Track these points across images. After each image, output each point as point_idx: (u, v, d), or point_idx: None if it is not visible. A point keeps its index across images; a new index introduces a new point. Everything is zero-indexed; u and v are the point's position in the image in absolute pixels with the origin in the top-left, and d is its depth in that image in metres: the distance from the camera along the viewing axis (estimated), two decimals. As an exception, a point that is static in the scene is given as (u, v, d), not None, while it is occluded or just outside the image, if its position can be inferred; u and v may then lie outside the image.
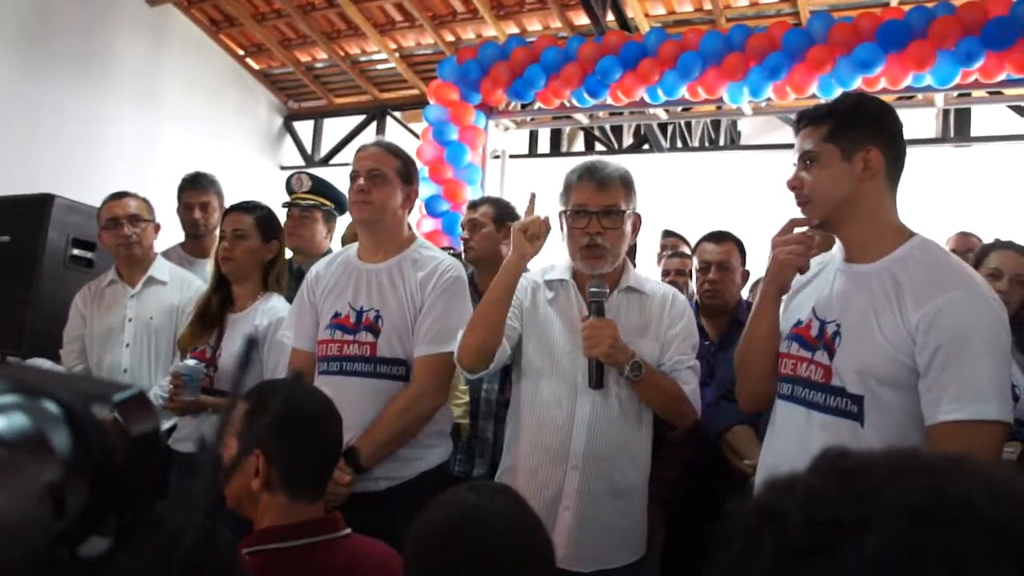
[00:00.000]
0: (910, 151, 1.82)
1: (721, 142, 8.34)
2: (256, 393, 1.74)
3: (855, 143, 1.72)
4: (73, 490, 0.54)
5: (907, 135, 1.82)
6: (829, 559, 0.47)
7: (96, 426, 0.57)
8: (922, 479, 0.50)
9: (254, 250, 2.79)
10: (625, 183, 2.21)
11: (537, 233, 2.12)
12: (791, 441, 1.78)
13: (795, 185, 1.80)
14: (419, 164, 5.78)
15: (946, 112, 6.22)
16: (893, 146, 1.75)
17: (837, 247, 1.89)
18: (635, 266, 2.83)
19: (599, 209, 2.15)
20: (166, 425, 2.90)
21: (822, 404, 1.72)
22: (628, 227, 2.22)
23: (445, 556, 1.21)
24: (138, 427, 0.61)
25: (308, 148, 8.81)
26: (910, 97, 5.56)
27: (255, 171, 8.00)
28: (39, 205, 3.55)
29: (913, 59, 4.67)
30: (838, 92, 4.59)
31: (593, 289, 2.13)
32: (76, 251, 3.60)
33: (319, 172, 3.61)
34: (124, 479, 0.58)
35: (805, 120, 1.80)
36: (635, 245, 2.93)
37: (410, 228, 2.64)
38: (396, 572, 1.62)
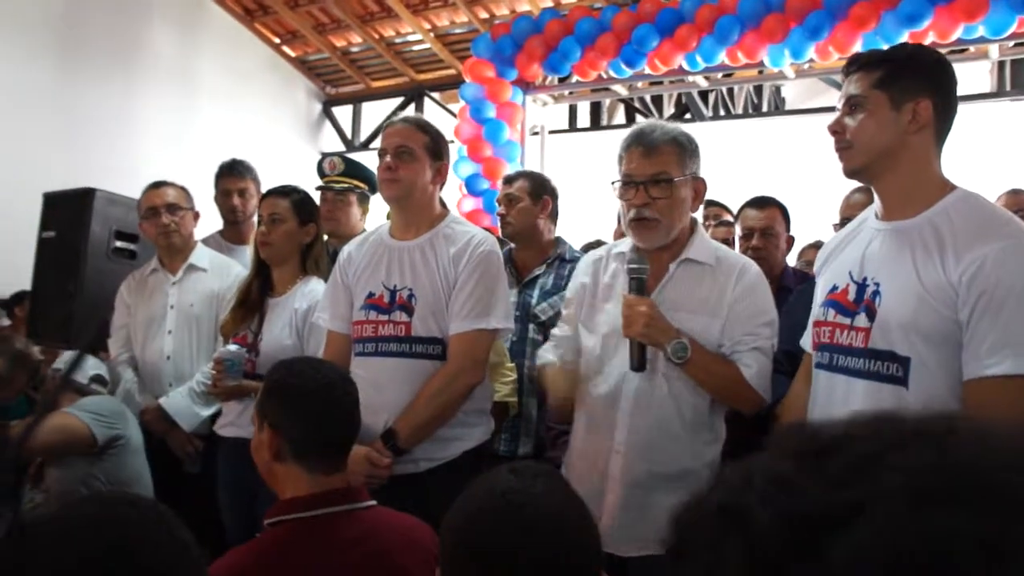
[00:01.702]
0: (962, 107, 1.74)
1: (765, 108, 8.16)
2: (271, 370, 1.79)
3: (906, 92, 1.64)
4: None
5: (960, 91, 1.74)
6: (814, 565, 0.37)
7: None
8: (921, 449, 0.39)
9: (292, 233, 2.79)
10: (678, 145, 2.06)
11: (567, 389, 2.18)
12: (835, 411, 1.72)
13: (836, 130, 1.73)
14: (457, 143, 5.80)
15: (1001, 64, 5.98)
16: (945, 100, 1.67)
17: (869, 209, 1.81)
18: None
19: (646, 178, 2.03)
20: (208, 412, 2.93)
21: (864, 370, 1.66)
22: (685, 193, 2.07)
23: (482, 541, 1.17)
24: None
25: (348, 133, 8.84)
26: (962, 50, 5.33)
27: (296, 158, 8.04)
28: (81, 199, 3.59)
29: (963, 9, 4.48)
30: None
31: (632, 265, 2.03)
32: (119, 243, 3.63)
33: (359, 156, 3.61)
34: None
35: (856, 65, 1.73)
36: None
37: (443, 204, 2.60)
38: (421, 544, 1.63)
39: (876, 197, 1.76)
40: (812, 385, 1.83)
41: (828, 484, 0.39)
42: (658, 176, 2.04)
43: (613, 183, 2.13)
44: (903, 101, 1.64)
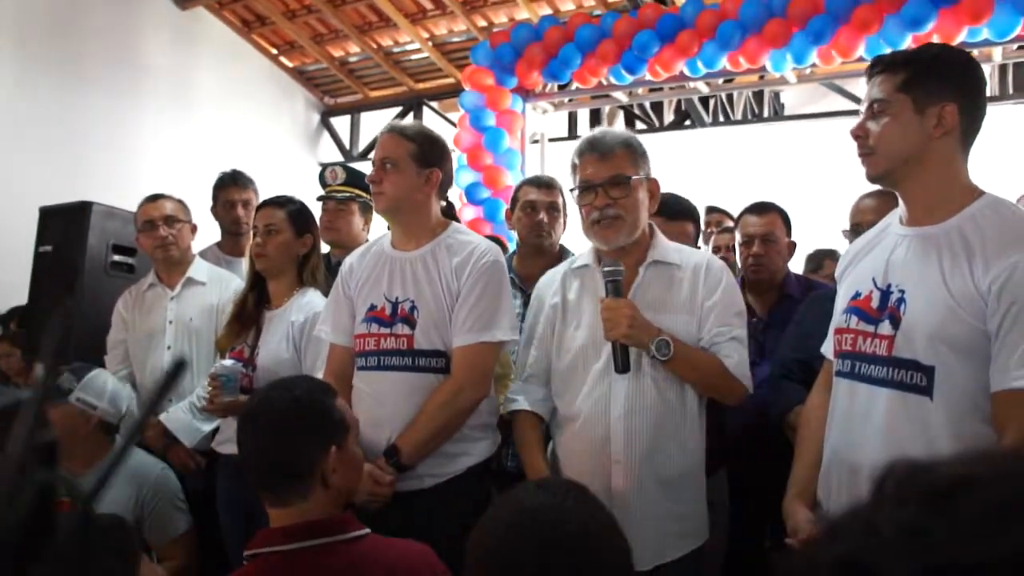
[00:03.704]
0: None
1: (765, 114, 8.12)
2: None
3: (931, 96, 1.59)
4: None
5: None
6: None
7: None
8: None
9: (288, 245, 2.74)
10: (629, 148, 2.12)
11: None
12: (855, 421, 1.67)
13: (859, 134, 1.68)
14: (457, 152, 5.75)
15: (1003, 67, 5.95)
16: (972, 103, 1.62)
17: (893, 214, 1.76)
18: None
19: (604, 180, 2.08)
20: (208, 427, 2.88)
21: (887, 379, 1.61)
22: (642, 194, 2.13)
23: (513, 560, 1.12)
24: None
25: (346, 143, 8.81)
26: (965, 54, 5.30)
27: (294, 169, 8.00)
28: (78, 213, 3.55)
29: (967, 12, 4.44)
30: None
31: (607, 268, 2.05)
32: (116, 257, 3.59)
33: (358, 166, 3.55)
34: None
35: (880, 66, 1.68)
36: (699, 231, 2.83)
37: (452, 214, 2.55)
38: (413, 571, 1.54)
39: (901, 202, 1.71)
40: (832, 393, 1.78)
41: (968, 534, 0.34)
42: (616, 178, 2.08)
43: (571, 190, 2.18)
44: (927, 105, 1.59)
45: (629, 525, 1.98)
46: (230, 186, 3.59)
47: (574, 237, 3.21)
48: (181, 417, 2.89)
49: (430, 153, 2.33)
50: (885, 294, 1.64)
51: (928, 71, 1.62)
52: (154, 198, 3.18)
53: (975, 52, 5.25)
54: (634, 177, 2.10)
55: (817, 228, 4.19)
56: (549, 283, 2.31)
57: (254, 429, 1.63)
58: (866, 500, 0.40)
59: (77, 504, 0.55)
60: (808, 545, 0.42)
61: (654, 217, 2.27)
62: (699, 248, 2.94)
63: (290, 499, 1.59)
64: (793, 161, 7.06)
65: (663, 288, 2.11)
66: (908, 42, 4.60)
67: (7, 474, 0.47)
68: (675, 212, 2.72)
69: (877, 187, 1.96)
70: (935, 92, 1.59)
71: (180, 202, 3.21)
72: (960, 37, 4.58)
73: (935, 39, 4.57)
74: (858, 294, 1.71)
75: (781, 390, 2.47)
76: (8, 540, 0.48)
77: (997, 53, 5.31)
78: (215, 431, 2.85)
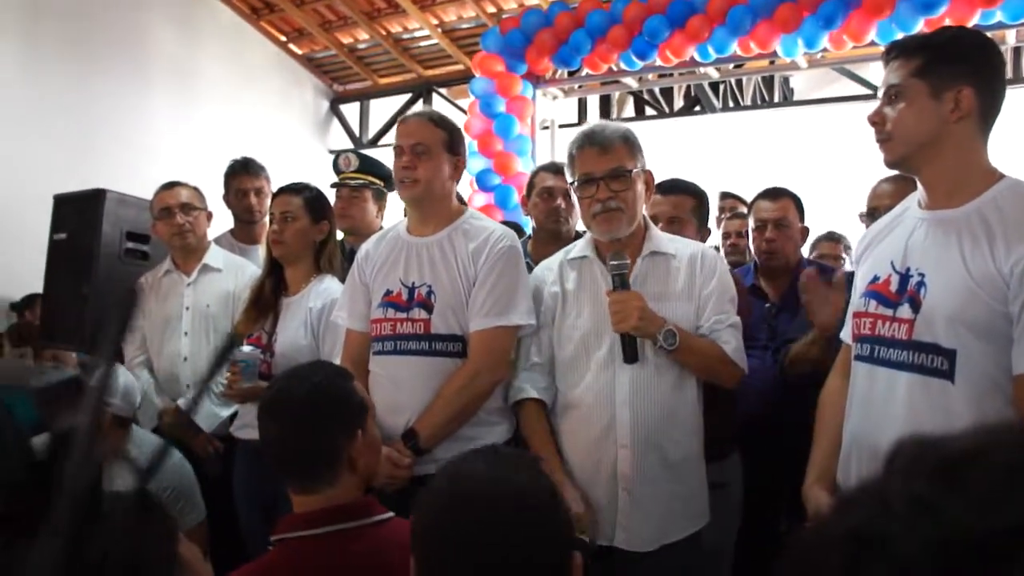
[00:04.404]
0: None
1: (775, 99, 8.10)
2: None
3: (946, 80, 1.59)
4: None
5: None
6: None
7: (13, 432, 0.49)
8: None
9: (304, 231, 2.75)
10: (628, 142, 2.16)
11: None
12: (875, 405, 1.67)
13: (876, 120, 1.68)
14: (468, 138, 5.76)
15: (1017, 50, 5.91)
16: (989, 86, 1.61)
17: (911, 198, 1.76)
18: (707, 237, 2.73)
19: (605, 173, 2.11)
20: (227, 412, 2.90)
21: (907, 363, 1.61)
22: (639, 186, 2.16)
23: (427, 513, 1.14)
24: (61, 421, 0.52)
25: (356, 130, 8.82)
26: (977, 37, 5.27)
27: (304, 156, 8.02)
28: (92, 201, 3.57)
29: (980, -6, 4.42)
30: (899, 37, 4.38)
31: (614, 262, 2.08)
32: (131, 244, 3.61)
33: (368, 153, 3.55)
34: (43, 485, 0.49)
35: (895, 52, 1.67)
36: (706, 216, 2.81)
37: (461, 200, 2.56)
38: None
39: (919, 186, 1.71)
40: (851, 377, 1.79)
41: (976, 505, 0.35)
42: (616, 170, 2.11)
43: (571, 183, 2.21)
44: (943, 90, 1.58)
45: (637, 507, 2.05)
46: (241, 174, 3.60)
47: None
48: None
49: (458, 141, 2.38)
50: (904, 278, 1.64)
51: (943, 55, 1.61)
52: (170, 185, 3.19)
53: (988, 35, 5.25)
54: (633, 170, 2.13)
55: (827, 212, 4.19)
56: (545, 272, 2.33)
57: (278, 418, 1.64)
58: (877, 475, 0.41)
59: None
60: (820, 519, 0.43)
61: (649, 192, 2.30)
62: (708, 231, 2.93)
63: (318, 485, 1.60)
64: (803, 146, 7.04)
65: (661, 278, 2.16)
66: (920, 26, 4.59)
67: (82, 442, 0.48)
68: (669, 187, 2.72)
69: (889, 172, 1.96)
70: (950, 76, 1.58)
71: (196, 189, 3.22)
72: (973, 20, 4.56)
73: (948, 22, 4.56)
74: (876, 278, 1.71)
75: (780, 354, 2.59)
76: (80, 502, 0.50)
77: (1011, 36, 5.29)
78: (233, 416, 2.87)
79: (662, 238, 2.23)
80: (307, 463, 1.61)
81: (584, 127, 2.23)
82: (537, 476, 1.18)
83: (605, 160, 2.12)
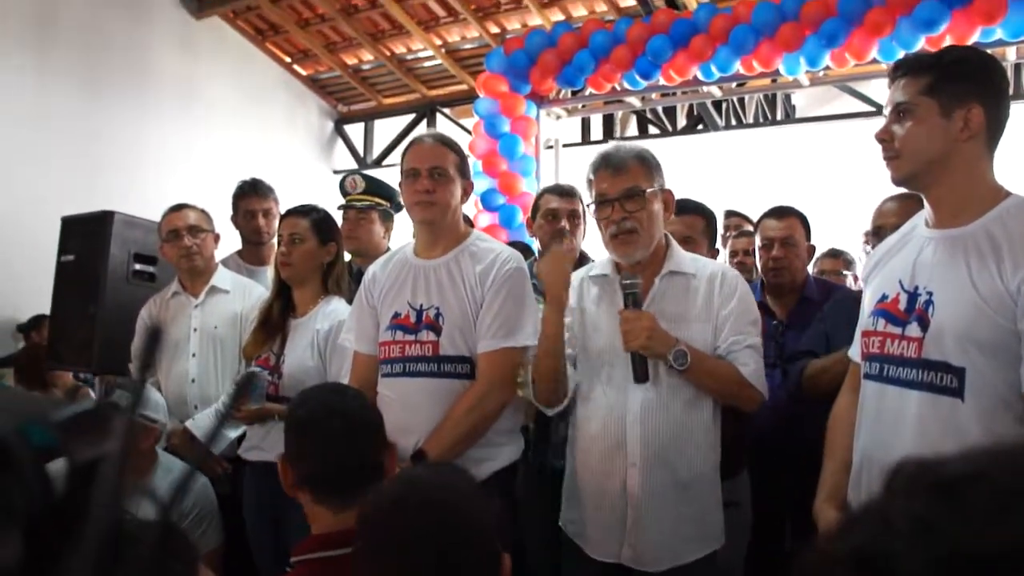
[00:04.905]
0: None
1: (777, 116, 8.13)
2: (292, 400, 1.77)
3: (956, 99, 1.60)
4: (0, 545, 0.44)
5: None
6: None
7: (31, 461, 0.48)
8: None
9: (312, 253, 2.77)
10: (642, 161, 2.16)
11: (567, 276, 2.19)
12: (885, 423, 1.68)
13: (884, 138, 1.68)
14: (472, 158, 5.79)
15: (1017, 67, 5.94)
16: (997, 105, 1.63)
17: (918, 216, 1.77)
18: (716, 256, 2.74)
19: (619, 194, 2.12)
20: (235, 434, 2.91)
21: (917, 381, 1.61)
22: (657, 206, 2.16)
23: (372, 509, 1.26)
24: (83, 453, 0.51)
25: (360, 150, 8.85)
26: (978, 55, 5.30)
27: (309, 177, 8.07)
28: (99, 222, 3.58)
29: (981, 12, 4.45)
30: (900, 55, 4.40)
31: (626, 281, 2.09)
32: (138, 266, 3.62)
33: (372, 173, 3.57)
34: (68, 519, 0.48)
35: (902, 69, 1.68)
36: (715, 236, 2.83)
37: (468, 221, 2.57)
38: None
39: (926, 204, 1.72)
40: (861, 396, 1.79)
41: (977, 524, 0.36)
42: (630, 191, 2.12)
43: (588, 205, 2.23)
44: (953, 108, 1.59)
45: (645, 526, 2.04)
46: (250, 195, 3.61)
47: (595, 244, 3.25)
48: (207, 423, 2.92)
49: (467, 165, 2.42)
50: (912, 296, 1.65)
51: (953, 74, 1.62)
52: (178, 208, 3.21)
53: (989, 52, 5.28)
54: (648, 190, 2.13)
55: (829, 228, 4.19)
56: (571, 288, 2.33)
57: (327, 436, 1.64)
58: (879, 495, 0.42)
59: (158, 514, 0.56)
60: (825, 538, 0.43)
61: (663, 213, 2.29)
62: (717, 251, 2.95)
63: (358, 502, 1.63)
64: (805, 163, 7.06)
65: (679, 298, 2.15)
66: (922, 44, 4.62)
67: (112, 474, 0.48)
68: (682, 207, 2.74)
69: (891, 188, 1.97)
70: (961, 95, 1.59)
71: (203, 211, 3.24)
72: (974, 37, 4.59)
73: (948, 40, 4.58)
74: (885, 296, 1.72)
75: (792, 368, 2.56)
76: (106, 537, 0.50)
77: (1011, 53, 5.32)
78: (241, 438, 2.88)
79: (683, 258, 2.23)
80: (357, 477, 1.61)
81: (601, 149, 2.24)
82: (470, 481, 1.29)
83: (619, 181, 2.12)
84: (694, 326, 2.11)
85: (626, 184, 2.12)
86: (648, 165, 2.16)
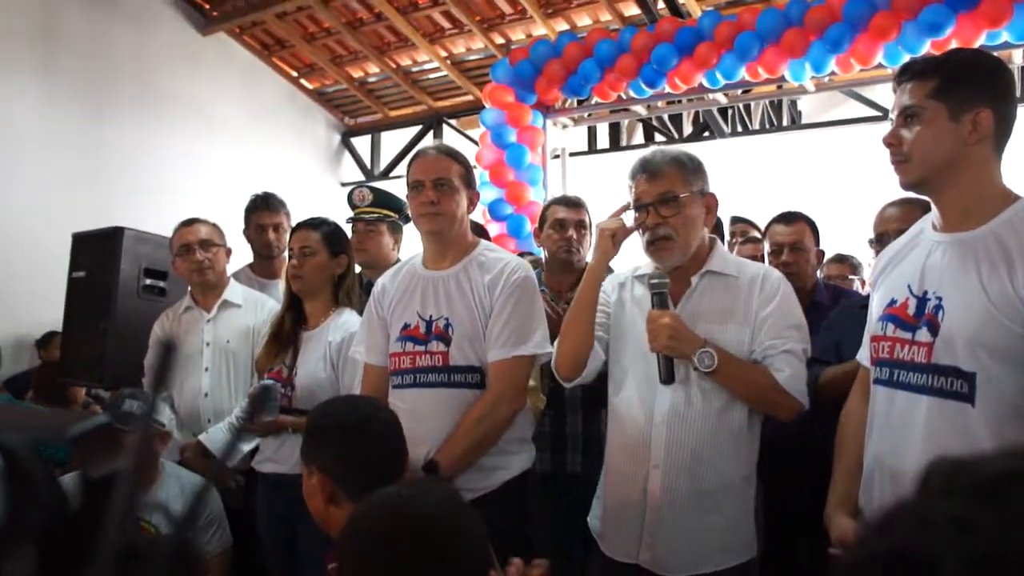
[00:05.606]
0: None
1: (783, 122, 8.13)
2: (313, 412, 1.79)
3: (964, 102, 1.59)
4: (14, 560, 0.45)
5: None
6: None
7: (46, 476, 0.48)
8: None
9: (323, 266, 2.78)
10: (680, 165, 2.14)
11: (621, 237, 2.15)
12: (895, 428, 1.67)
13: (892, 142, 1.67)
14: (479, 169, 5.81)
15: (1023, 70, 5.93)
16: (1005, 108, 1.62)
17: (925, 220, 1.77)
18: None
19: (653, 199, 2.10)
20: (250, 445, 2.92)
21: (927, 386, 1.61)
22: (696, 210, 2.13)
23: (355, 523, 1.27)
24: (98, 467, 0.51)
25: (367, 163, 8.89)
26: (983, 58, 5.30)
27: (316, 190, 8.10)
28: (110, 238, 3.61)
29: (986, 16, 4.45)
30: (905, 59, 4.41)
31: (653, 280, 2.08)
32: (148, 281, 3.65)
33: (380, 185, 3.59)
34: (82, 535, 0.48)
35: (909, 73, 1.67)
36: (720, 237, 2.84)
37: (483, 231, 2.58)
38: None
39: (934, 208, 1.71)
40: (871, 401, 1.78)
41: (1017, 523, 0.36)
42: (664, 196, 2.10)
43: (627, 209, 2.21)
44: (962, 111, 1.59)
45: (664, 530, 2.02)
46: (262, 209, 3.64)
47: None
48: (220, 436, 2.93)
49: (472, 175, 2.42)
50: (922, 301, 1.64)
51: (961, 77, 1.61)
52: (189, 223, 3.23)
53: (994, 55, 5.27)
54: (683, 195, 2.10)
55: (836, 233, 4.19)
56: (611, 287, 2.31)
57: (367, 440, 1.68)
58: (913, 495, 0.42)
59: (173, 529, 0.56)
60: (860, 539, 0.44)
61: None
62: None
63: None
64: (812, 168, 7.06)
65: (716, 298, 2.11)
66: (927, 48, 4.62)
67: (125, 494, 0.48)
68: None
69: (897, 193, 1.96)
70: (969, 98, 1.59)
71: (215, 226, 3.26)
72: (979, 41, 4.59)
73: (954, 44, 4.58)
74: (894, 301, 1.71)
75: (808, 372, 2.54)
76: (121, 554, 0.50)
77: (1017, 56, 5.31)
78: (254, 450, 2.89)
79: (727, 259, 2.21)
80: (392, 481, 1.65)
81: (641, 154, 2.23)
82: (453, 499, 1.32)
83: (655, 186, 2.11)
84: (731, 328, 2.06)
85: (660, 189, 2.10)
86: (685, 168, 2.14)
